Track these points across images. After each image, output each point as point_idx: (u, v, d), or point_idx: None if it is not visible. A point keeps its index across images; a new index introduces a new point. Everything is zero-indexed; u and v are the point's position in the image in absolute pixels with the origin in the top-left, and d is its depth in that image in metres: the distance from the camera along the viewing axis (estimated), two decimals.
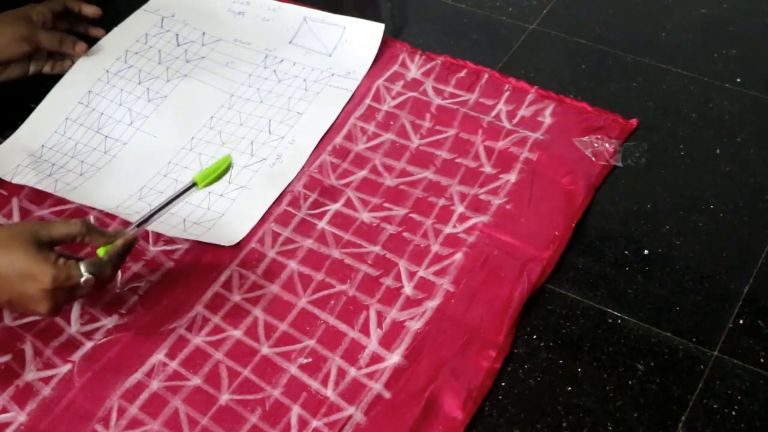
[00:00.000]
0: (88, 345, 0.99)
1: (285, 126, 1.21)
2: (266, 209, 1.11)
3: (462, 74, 1.27)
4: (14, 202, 1.14)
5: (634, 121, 1.19)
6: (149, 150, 1.20)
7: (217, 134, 1.22)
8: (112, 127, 1.23)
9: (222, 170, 1.02)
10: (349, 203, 1.12)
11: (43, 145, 1.21)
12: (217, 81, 1.28)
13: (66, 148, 1.21)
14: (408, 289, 1.02)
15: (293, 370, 0.96)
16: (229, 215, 1.11)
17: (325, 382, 0.95)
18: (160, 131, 1.22)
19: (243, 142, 1.20)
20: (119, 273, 1.03)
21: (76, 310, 1.02)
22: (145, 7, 1.39)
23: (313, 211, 1.11)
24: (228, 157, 1.03)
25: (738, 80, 1.24)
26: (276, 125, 1.22)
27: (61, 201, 1.14)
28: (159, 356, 0.98)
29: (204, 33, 1.35)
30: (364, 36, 1.32)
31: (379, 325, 0.99)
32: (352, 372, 0.95)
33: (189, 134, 1.22)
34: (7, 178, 1.15)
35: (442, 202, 1.11)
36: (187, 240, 1.08)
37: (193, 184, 1.00)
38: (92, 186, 1.16)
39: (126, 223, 1.06)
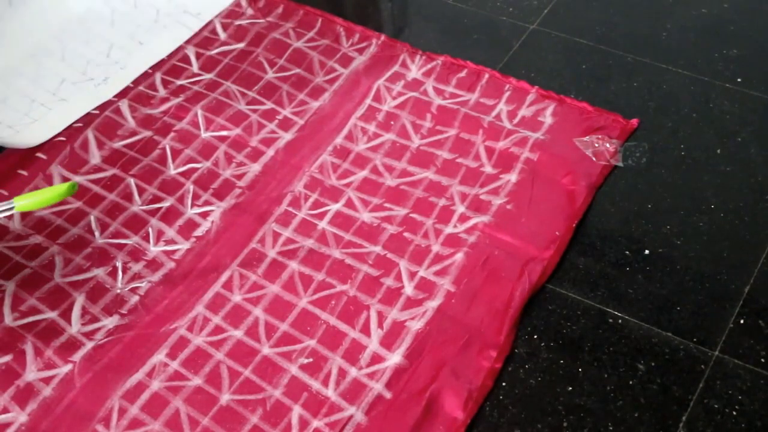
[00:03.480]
0: (89, 345, 0.99)
1: (123, 52, 1.29)
2: (74, 120, 1.20)
3: (462, 74, 1.27)
4: None
5: (634, 121, 1.19)
6: None
7: (62, 48, 1.30)
8: None
9: (50, 197, 0.94)
10: (349, 203, 1.12)
11: None
12: None
13: None
14: (409, 289, 1.02)
15: (294, 370, 0.96)
16: (41, 122, 1.19)
17: (325, 382, 0.95)
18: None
19: (81, 60, 1.28)
20: (120, 271, 1.04)
21: (77, 310, 1.02)
22: None
23: (313, 212, 1.11)
24: (72, 185, 0.95)
25: (738, 80, 1.24)
26: (116, 51, 1.29)
27: (61, 201, 1.13)
28: (160, 356, 0.98)
29: None
30: None
31: (380, 325, 0.99)
32: (353, 372, 0.95)
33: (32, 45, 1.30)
34: None
35: (442, 202, 1.11)
36: (188, 240, 1.09)
37: (12, 207, 0.94)
38: None
39: None
